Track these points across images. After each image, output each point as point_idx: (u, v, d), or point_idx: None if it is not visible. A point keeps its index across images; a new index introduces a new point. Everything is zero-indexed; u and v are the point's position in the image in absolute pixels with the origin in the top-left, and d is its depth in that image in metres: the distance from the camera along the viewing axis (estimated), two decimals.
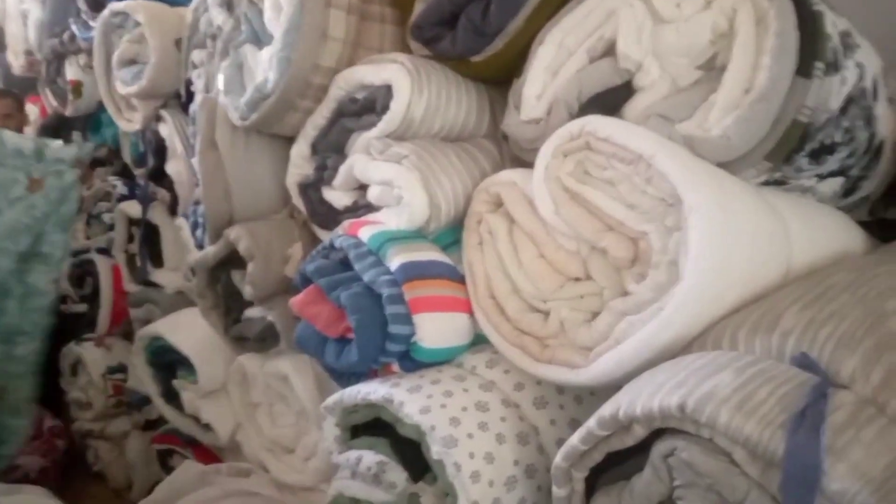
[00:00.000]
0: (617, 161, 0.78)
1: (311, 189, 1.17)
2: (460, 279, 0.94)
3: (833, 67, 0.76)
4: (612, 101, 0.86)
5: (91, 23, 2.14)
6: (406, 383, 0.85)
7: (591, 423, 0.63)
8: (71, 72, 2.31)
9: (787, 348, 0.62)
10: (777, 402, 0.54)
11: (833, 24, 0.79)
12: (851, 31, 0.82)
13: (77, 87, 2.24)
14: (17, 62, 2.85)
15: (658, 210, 0.74)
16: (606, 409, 0.63)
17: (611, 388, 0.77)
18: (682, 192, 0.70)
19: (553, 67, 0.91)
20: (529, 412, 0.83)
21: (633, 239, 0.77)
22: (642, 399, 0.60)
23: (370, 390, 0.87)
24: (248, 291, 1.21)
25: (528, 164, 0.98)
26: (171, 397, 1.58)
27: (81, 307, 2.15)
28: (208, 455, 1.56)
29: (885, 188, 0.93)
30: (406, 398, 0.82)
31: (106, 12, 1.88)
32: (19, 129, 2.16)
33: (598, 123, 0.79)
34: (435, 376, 0.86)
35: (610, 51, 0.87)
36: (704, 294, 0.70)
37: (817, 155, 0.79)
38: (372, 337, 0.88)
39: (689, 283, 0.69)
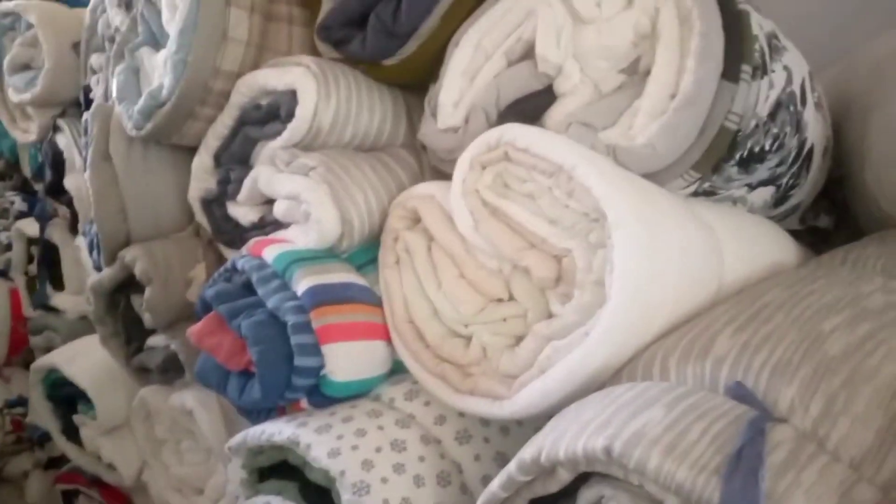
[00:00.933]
0: (537, 173, 0.72)
1: (214, 204, 1.07)
2: (376, 303, 0.87)
3: (760, 71, 0.72)
4: (532, 107, 0.80)
5: None
6: (314, 422, 0.77)
7: (512, 467, 0.57)
8: None
9: (721, 377, 0.56)
10: (711, 441, 0.49)
11: (759, 26, 0.75)
12: (777, 33, 0.79)
13: None
14: None
15: (581, 225, 0.69)
16: (527, 452, 0.56)
17: (538, 417, 0.72)
18: (604, 206, 0.65)
19: (470, 72, 0.85)
20: (451, 448, 0.76)
21: (556, 257, 0.71)
22: (566, 441, 0.53)
23: (275, 431, 0.78)
24: (147, 318, 1.10)
25: (447, 176, 0.91)
26: (73, 433, 1.44)
27: None
28: (116, 495, 1.43)
29: (816, 196, 0.90)
30: (314, 440, 0.73)
31: None
32: None
33: (516, 132, 0.73)
34: (347, 413, 0.78)
35: (529, 53, 0.81)
36: (632, 316, 0.65)
37: (747, 163, 0.75)
38: (276, 371, 0.80)
39: (616, 305, 0.63)
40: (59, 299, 1.67)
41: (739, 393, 0.54)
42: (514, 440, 0.80)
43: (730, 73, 0.69)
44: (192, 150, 1.17)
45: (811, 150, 0.83)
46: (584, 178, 0.66)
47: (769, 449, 0.48)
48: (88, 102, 1.56)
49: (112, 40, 1.48)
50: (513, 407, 0.69)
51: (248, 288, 0.92)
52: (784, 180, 0.82)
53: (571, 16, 0.78)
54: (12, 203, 1.95)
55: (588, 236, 0.68)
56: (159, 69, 1.07)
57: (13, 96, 1.68)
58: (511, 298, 0.76)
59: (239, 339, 0.87)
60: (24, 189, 2.04)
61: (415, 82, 0.96)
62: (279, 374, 0.80)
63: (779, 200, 0.85)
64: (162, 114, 1.04)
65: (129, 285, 1.19)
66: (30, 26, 1.65)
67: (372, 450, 0.72)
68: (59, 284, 1.70)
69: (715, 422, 0.50)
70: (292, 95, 0.92)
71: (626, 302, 0.63)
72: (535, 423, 0.84)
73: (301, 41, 1.08)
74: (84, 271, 1.60)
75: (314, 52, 1.06)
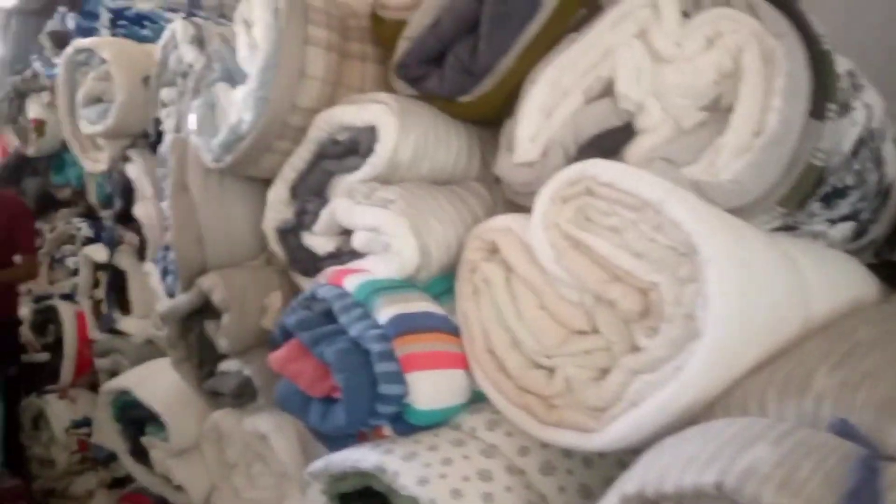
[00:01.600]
0: (622, 208, 0.73)
1: (290, 234, 1.11)
2: (455, 332, 0.88)
3: (844, 108, 0.73)
4: (611, 143, 0.82)
5: (55, 60, 2.08)
6: (400, 450, 0.78)
7: (613, 500, 0.58)
8: (34, 110, 2.23)
9: (823, 414, 0.57)
10: (823, 478, 0.49)
11: (840, 64, 0.76)
12: (856, 72, 0.80)
13: (40, 126, 2.16)
14: None
15: (669, 260, 0.70)
16: (630, 486, 0.57)
17: (623, 450, 0.73)
18: (696, 241, 0.66)
19: (547, 108, 0.87)
20: (536, 479, 0.77)
21: (642, 290, 0.72)
22: (673, 475, 0.54)
23: (360, 457, 0.80)
24: (222, 344, 1.13)
25: (522, 209, 0.93)
26: (140, 454, 1.48)
27: (43, 356, 2.05)
28: None
29: (891, 230, 0.90)
30: (401, 467, 0.75)
31: (70, 49, 1.82)
32: None
33: (599, 168, 0.75)
34: (432, 441, 0.80)
35: (608, 91, 0.83)
36: (726, 351, 0.65)
37: (829, 199, 0.75)
38: (361, 398, 0.82)
39: (711, 340, 0.64)
40: (125, 323, 1.72)
41: (844, 430, 0.54)
42: (596, 472, 0.81)
43: (816, 111, 0.71)
44: (265, 182, 1.21)
45: (890, 186, 0.84)
46: (673, 213, 0.68)
47: (884, 487, 0.48)
48: (159, 134, 1.62)
49: (184, 75, 1.55)
50: (603, 440, 0.70)
51: (328, 316, 0.94)
52: (864, 215, 0.82)
53: (651, 55, 0.80)
54: (79, 229, 2.02)
55: (676, 270, 0.69)
56: (237, 104, 1.11)
57: (86, 128, 1.76)
58: (594, 331, 0.78)
59: (321, 366, 0.90)
60: (89, 216, 2.12)
61: (489, 118, 0.99)
62: (364, 401, 0.82)
63: (857, 235, 0.85)
64: (242, 147, 1.08)
65: (202, 311, 1.22)
66: (103, 61, 1.72)
67: (460, 479, 0.74)
68: (125, 308, 1.76)
69: (824, 459, 0.51)
70: (372, 131, 0.95)
71: (721, 337, 0.64)
72: (616, 455, 0.85)
73: (374, 78, 1.12)
74: (150, 296, 1.64)
75: (386, 88, 1.09)
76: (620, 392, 0.71)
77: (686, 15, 0.79)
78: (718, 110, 0.77)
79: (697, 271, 0.66)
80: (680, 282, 0.68)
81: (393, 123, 0.92)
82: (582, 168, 0.76)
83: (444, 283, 0.95)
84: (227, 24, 1.66)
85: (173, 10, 2.17)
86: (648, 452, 0.63)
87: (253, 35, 1.11)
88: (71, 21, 1.97)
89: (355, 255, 1.01)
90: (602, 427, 0.70)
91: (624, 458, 0.84)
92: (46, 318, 2.05)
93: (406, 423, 0.84)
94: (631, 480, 0.58)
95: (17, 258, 2.12)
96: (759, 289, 0.68)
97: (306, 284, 1.12)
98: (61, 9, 2.05)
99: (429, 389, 0.82)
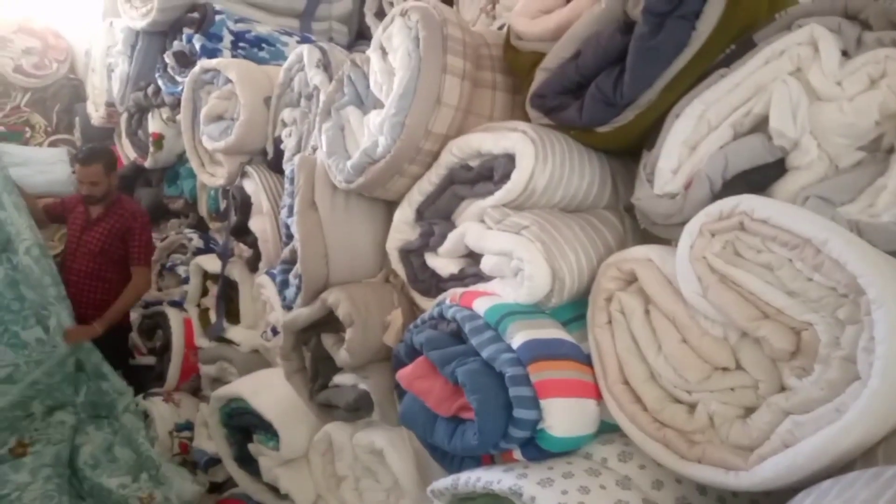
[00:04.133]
0: (776, 245, 0.72)
1: (413, 255, 1.14)
2: (586, 361, 0.88)
3: None
4: (760, 179, 0.81)
5: (178, 78, 2.20)
6: (535, 475, 0.79)
7: None
8: (153, 125, 2.36)
9: None
10: None
11: None
12: None
13: (159, 140, 2.29)
14: (96, 113, 2.94)
15: (827, 300, 0.68)
16: None
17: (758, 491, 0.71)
18: (864, 283, 0.64)
19: (691, 141, 0.87)
20: None
21: (793, 329, 0.71)
22: None
23: (493, 479, 0.81)
24: (343, 357, 1.16)
25: (657, 240, 0.93)
26: (245, 461, 1.52)
27: (149, 360, 2.13)
28: None
29: None
30: (538, 493, 0.75)
31: (197, 68, 1.92)
32: (106, 194, 2.16)
33: (754, 203, 0.74)
34: (566, 468, 0.80)
35: (757, 127, 0.83)
36: (893, 395, 0.63)
37: None
38: (494, 420, 0.83)
39: (878, 383, 0.62)
40: (234, 332, 1.79)
41: None
42: None
43: None
44: (387, 203, 1.25)
45: None
46: (837, 253, 0.66)
47: None
48: (278, 153, 1.70)
49: (309, 97, 1.61)
50: (751, 479, 0.69)
51: (456, 336, 0.96)
52: None
53: (808, 93, 0.79)
54: (190, 240, 2.12)
55: (835, 311, 0.67)
56: (371, 128, 1.15)
57: (207, 143, 1.84)
58: (738, 367, 0.77)
59: (449, 385, 0.91)
60: (199, 227, 2.22)
61: (624, 148, 0.99)
62: (497, 424, 0.83)
63: None
64: (374, 170, 1.12)
65: (318, 324, 1.26)
66: (227, 81, 1.81)
67: None
68: (232, 318, 1.82)
69: None
70: (509, 159, 0.97)
71: (888, 381, 0.62)
72: (749, 495, 0.83)
73: (502, 106, 1.14)
74: (259, 308, 1.70)
75: (514, 116, 1.11)
76: (769, 431, 0.70)
77: (845, 54, 0.78)
78: (879, 150, 0.76)
79: (861, 313, 0.64)
80: (839, 323, 0.67)
81: (531, 151, 0.94)
82: (736, 202, 0.75)
83: (571, 311, 0.96)
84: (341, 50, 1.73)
85: (288, 34, 2.27)
86: (808, 494, 0.61)
87: (389, 62, 1.15)
88: (197, 42, 2.08)
89: (478, 277, 1.02)
90: (750, 466, 0.69)
91: (755, 497, 0.82)
92: (154, 324, 2.14)
93: (537, 449, 0.84)
94: None
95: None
96: None
97: (425, 304, 1.15)
98: (187, 30, 2.18)
99: (565, 417, 0.82)
